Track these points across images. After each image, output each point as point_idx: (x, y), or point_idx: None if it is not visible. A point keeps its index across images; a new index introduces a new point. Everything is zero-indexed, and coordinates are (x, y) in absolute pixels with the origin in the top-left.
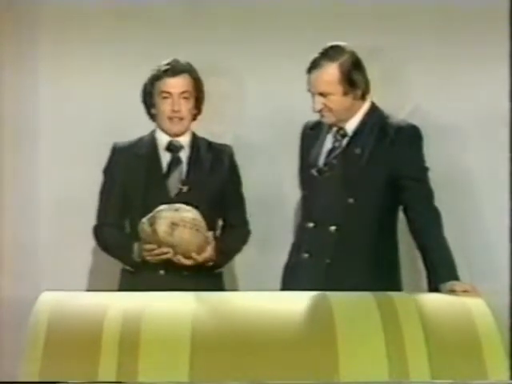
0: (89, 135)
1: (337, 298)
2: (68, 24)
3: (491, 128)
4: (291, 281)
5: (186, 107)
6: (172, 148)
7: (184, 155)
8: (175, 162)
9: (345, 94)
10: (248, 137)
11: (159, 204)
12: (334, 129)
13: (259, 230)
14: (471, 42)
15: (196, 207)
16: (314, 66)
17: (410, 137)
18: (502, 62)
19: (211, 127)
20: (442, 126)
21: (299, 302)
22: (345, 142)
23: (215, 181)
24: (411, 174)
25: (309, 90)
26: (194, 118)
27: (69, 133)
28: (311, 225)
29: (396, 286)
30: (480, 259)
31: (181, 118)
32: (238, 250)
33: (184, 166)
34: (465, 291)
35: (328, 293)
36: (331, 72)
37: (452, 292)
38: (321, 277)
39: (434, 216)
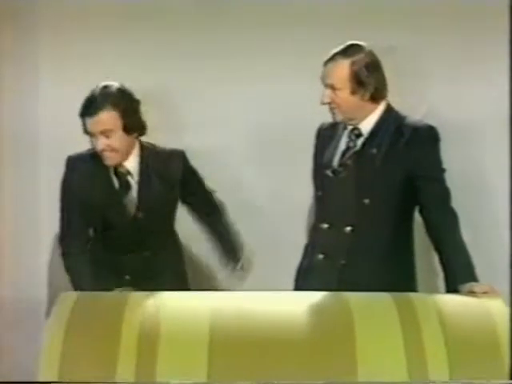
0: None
1: (355, 298)
2: (68, 22)
3: (508, 128)
4: (305, 282)
5: (112, 143)
6: (119, 174)
7: (133, 180)
8: (125, 186)
9: (353, 92)
10: (252, 138)
11: (120, 223)
12: (349, 129)
13: (270, 231)
14: (490, 41)
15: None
16: (330, 59)
17: (426, 137)
18: None
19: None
20: (458, 127)
21: (318, 302)
22: (360, 142)
23: (169, 194)
24: (427, 175)
25: (322, 82)
26: (140, 135)
27: (69, 131)
28: (326, 226)
29: (411, 287)
30: (497, 259)
31: (112, 151)
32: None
33: (134, 192)
34: (484, 292)
35: (347, 293)
36: (342, 67)
37: (471, 293)
38: (336, 277)
39: (451, 217)
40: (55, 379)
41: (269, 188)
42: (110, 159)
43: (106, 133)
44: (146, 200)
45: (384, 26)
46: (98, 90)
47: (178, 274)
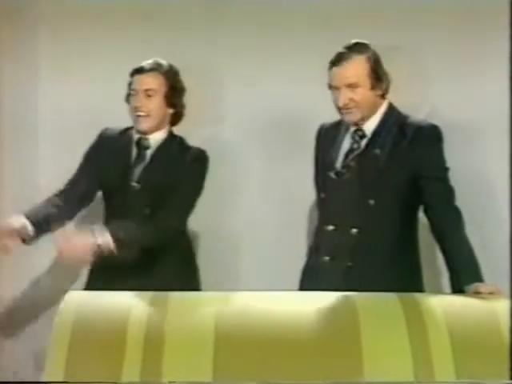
0: (89, 133)
1: (361, 298)
2: (68, 22)
3: (508, 127)
4: (311, 283)
5: (149, 104)
6: (139, 145)
7: (149, 153)
8: (140, 159)
9: (372, 87)
10: (252, 138)
11: (121, 195)
12: (352, 130)
13: (272, 230)
14: (490, 40)
15: (147, 205)
16: (339, 59)
17: (430, 136)
18: None
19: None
20: (459, 126)
21: (324, 302)
22: (363, 142)
23: (168, 183)
24: (431, 174)
25: (330, 86)
26: (174, 119)
27: (69, 130)
28: (331, 228)
29: (417, 287)
30: (499, 259)
31: (146, 115)
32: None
33: (143, 164)
34: (490, 293)
35: (353, 293)
36: (359, 63)
37: (477, 293)
38: (342, 279)
39: (456, 216)
40: (61, 379)
41: (269, 188)
42: (142, 123)
43: (148, 92)
44: (147, 173)
45: (384, 26)
46: (150, 61)
47: (179, 269)
